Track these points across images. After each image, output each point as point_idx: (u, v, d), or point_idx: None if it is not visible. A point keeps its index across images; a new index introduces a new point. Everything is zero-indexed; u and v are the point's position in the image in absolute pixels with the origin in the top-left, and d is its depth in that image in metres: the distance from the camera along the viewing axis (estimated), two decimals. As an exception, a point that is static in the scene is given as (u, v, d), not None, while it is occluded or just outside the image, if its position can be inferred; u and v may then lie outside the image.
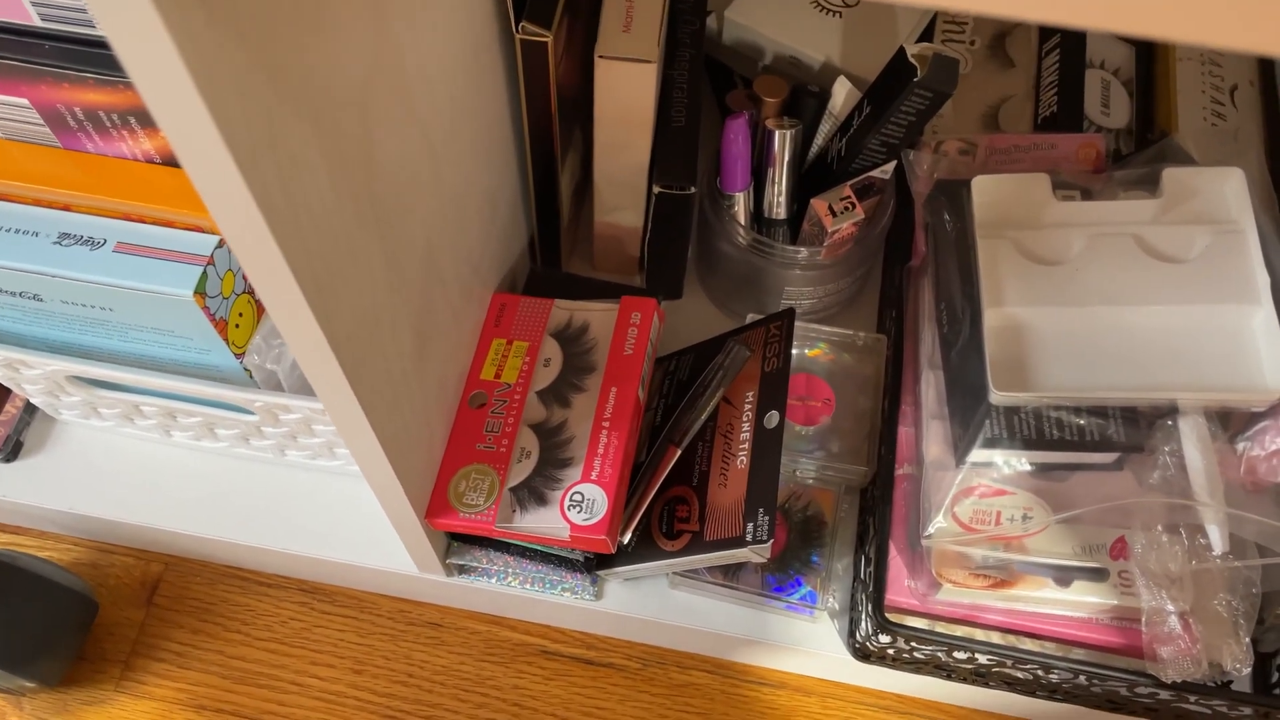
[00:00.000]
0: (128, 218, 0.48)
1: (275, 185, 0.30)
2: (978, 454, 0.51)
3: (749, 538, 0.51)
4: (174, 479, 0.63)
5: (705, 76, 0.72)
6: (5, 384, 0.57)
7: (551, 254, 0.66)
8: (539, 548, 0.57)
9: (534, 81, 0.52)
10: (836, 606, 0.59)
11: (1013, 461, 0.51)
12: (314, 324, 0.34)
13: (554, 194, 0.61)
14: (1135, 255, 0.53)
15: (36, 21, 0.43)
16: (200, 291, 0.47)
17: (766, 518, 0.51)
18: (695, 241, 0.67)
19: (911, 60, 0.54)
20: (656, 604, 0.60)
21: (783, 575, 0.58)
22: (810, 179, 0.63)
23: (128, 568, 0.66)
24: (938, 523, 0.51)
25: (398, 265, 0.42)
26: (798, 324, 0.62)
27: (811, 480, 0.60)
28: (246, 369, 0.52)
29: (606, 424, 0.53)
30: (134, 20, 0.23)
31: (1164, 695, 0.52)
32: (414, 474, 0.49)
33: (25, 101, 0.45)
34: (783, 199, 0.61)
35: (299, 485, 0.62)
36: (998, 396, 0.50)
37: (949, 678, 0.57)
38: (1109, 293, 0.52)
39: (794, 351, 0.62)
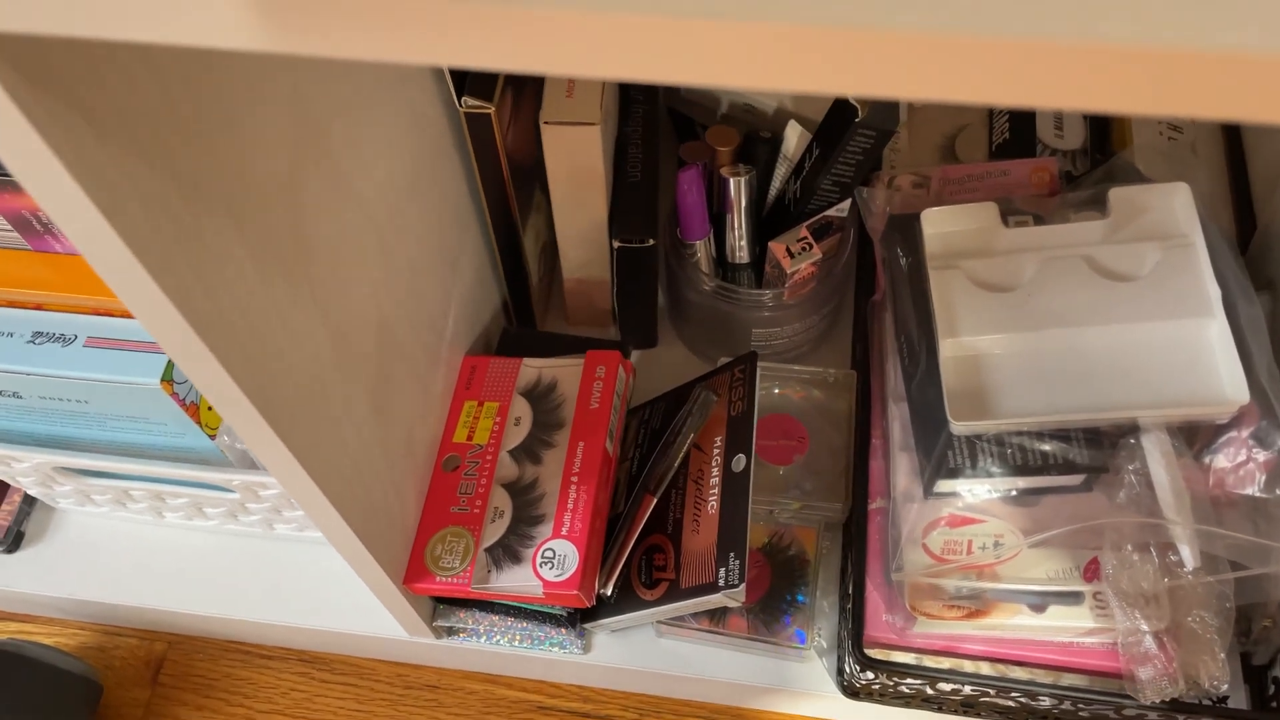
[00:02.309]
0: (97, 312, 0.50)
1: (192, 281, 0.31)
2: (942, 484, 0.51)
3: (721, 583, 0.51)
4: (170, 559, 0.64)
5: (669, 128, 0.73)
6: (1, 478, 0.59)
7: (524, 313, 0.67)
8: (522, 605, 0.57)
9: (483, 151, 0.54)
10: (824, 644, 0.59)
11: (978, 489, 0.51)
12: (252, 409, 0.36)
13: (519, 256, 0.62)
14: (1087, 276, 0.53)
15: (-5, 135, 0.45)
16: (168, 379, 0.49)
17: (737, 562, 0.51)
18: (665, 290, 0.68)
19: (853, 102, 0.55)
20: (646, 654, 0.60)
21: (769, 616, 0.58)
22: (771, 222, 0.64)
23: (132, 649, 0.67)
24: (908, 555, 0.51)
25: (346, 340, 0.43)
26: (768, 364, 0.63)
27: (792, 519, 0.61)
28: (221, 449, 0.53)
29: (575, 479, 0.54)
30: (20, 145, 0.24)
31: (1153, 717, 0.51)
32: (386, 542, 0.50)
33: (-8, 210, 0.48)
34: (744, 243, 0.62)
35: (290, 557, 0.64)
36: (957, 426, 0.51)
37: (940, 710, 0.56)
38: (1063, 315, 0.52)
39: (765, 391, 0.63)
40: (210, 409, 0.52)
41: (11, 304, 0.50)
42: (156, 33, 0.21)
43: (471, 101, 0.51)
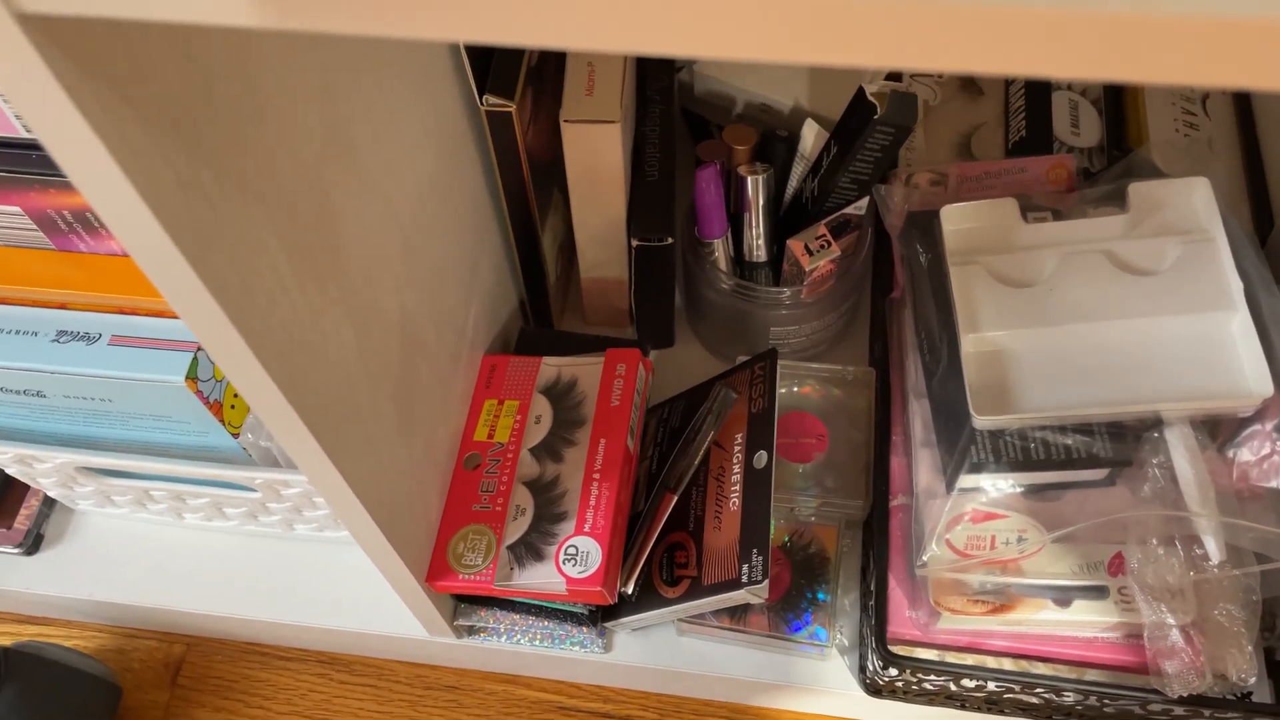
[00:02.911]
0: (121, 311, 0.50)
1: (229, 271, 0.31)
2: (966, 479, 0.51)
3: (745, 579, 0.51)
4: (189, 560, 0.65)
5: (683, 128, 0.73)
6: (21, 479, 0.59)
7: (542, 313, 0.67)
8: (543, 603, 0.57)
9: (503, 150, 0.54)
10: (846, 642, 0.59)
11: (1001, 484, 0.51)
12: (283, 401, 0.36)
13: (537, 255, 0.62)
14: (1108, 271, 0.53)
15: (22, 133, 0.45)
16: (192, 376, 0.49)
17: (760, 558, 0.51)
18: (682, 289, 0.68)
19: (870, 99, 0.55)
20: (667, 653, 0.60)
21: (791, 614, 0.58)
22: (789, 220, 0.64)
23: (151, 650, 0.67)
24: (931, 551, 0.51)
25: (371, 337, 0.43)
26: (786, 362, 0.63)
27: (812, 517, 0.61)
28: (244, 448, 0.53)
29: (597, 476, 0.54)
30: (66, 129, 0.24)
31: (1179, 711, 0.51)
32: (409, 539, 0.50)
33: (17, 209, 0.48)
34: (761, 242, 0.62)
35: (310, 557, 0.64)
36: (980, 421, 0.50)
37: (963, 707, 0.56)
38: (1084, 310, 0.52)
39: (784, 390, 0.63)
40: (233, 407, 0.52)
41: (36, 303, 0.51)
42: (161, 9, 0.21)
43: (493, 100, 0.51)
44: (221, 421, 0.51)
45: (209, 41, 0.29)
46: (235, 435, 0.52)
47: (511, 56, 0.52)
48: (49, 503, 0.66)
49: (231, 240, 0.31)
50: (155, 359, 0.49)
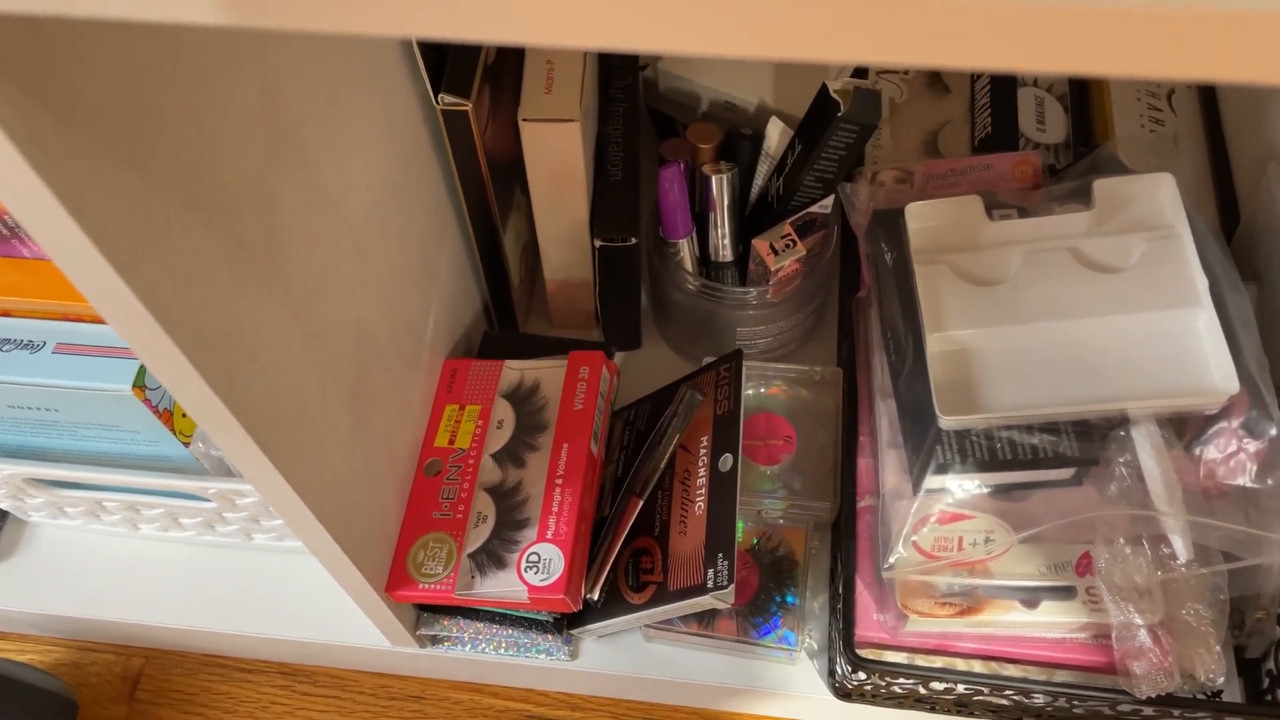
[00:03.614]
0: (66, 318, 0.49)
1: (162, 280, 0.30)
2: (932, 480, 0.50)
3: (710, 584, 0.50)
4: (146, 572, 0.63)
5: (649, 127, 0.73)
6: (-30, 491, 0.58)
7: (506, 316, 0.66)
8: (507, 611, 0.56)
9: (461, 150, 0.53)
10: (815, 646, 0.58)
11: (967, 485, 0.50)
12: (224, 410, 0.35)
13: (499, 257, 0.61)
14: (1073, 268, 0.53)
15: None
16: (140, 385, 0.47)
17: (726, 562, 0.50)
18: (648, 290, 0.67)
19: (834, 96, 0.55)
20: (635, 659, 0.59)
21: (759, 618, 0.58)
22: (754, 219, 0.63)
23: (108, 664, 0.66)
24: (898, 553, 0.51)
25: (322, 344, 0.42)
26: (753, 363, 0.62)
27: (780, 520, 0.60)
28: (196, 457, 0.52)
29: (560, 481, 0.53)
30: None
31: (1148, 712, 0.51)
32: (367, 549, 0.49)
33: (-44, 214, 0.46)
34: (727, 241, 0.62)
35: (269, 567, 0.62)
36: (945, 421, 0.50)
37: (933, 710, 0.56)
38: (1050, 308, 0.52)
39: (751, 391, 0.62)
40: (184, 415, 0.51)
41: (-23, 311, 0.49)
42: (107, 7, 0.20)
43: (448, 99, 0.50)
44: (172, 430, 0.50)
45: (136, 39, 0.28)
46: (187, 444, 0.51)
47: (467, 54, 0.51)
48: (1, 515, 0.65)
49: (164, 246, 0.30)
50: (101, 367, 0.48)
